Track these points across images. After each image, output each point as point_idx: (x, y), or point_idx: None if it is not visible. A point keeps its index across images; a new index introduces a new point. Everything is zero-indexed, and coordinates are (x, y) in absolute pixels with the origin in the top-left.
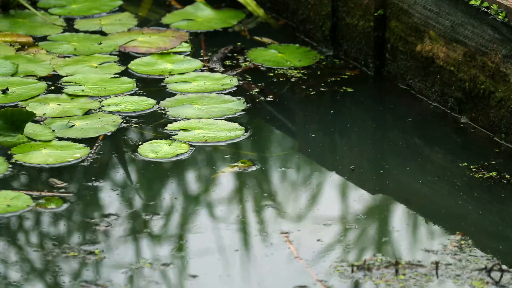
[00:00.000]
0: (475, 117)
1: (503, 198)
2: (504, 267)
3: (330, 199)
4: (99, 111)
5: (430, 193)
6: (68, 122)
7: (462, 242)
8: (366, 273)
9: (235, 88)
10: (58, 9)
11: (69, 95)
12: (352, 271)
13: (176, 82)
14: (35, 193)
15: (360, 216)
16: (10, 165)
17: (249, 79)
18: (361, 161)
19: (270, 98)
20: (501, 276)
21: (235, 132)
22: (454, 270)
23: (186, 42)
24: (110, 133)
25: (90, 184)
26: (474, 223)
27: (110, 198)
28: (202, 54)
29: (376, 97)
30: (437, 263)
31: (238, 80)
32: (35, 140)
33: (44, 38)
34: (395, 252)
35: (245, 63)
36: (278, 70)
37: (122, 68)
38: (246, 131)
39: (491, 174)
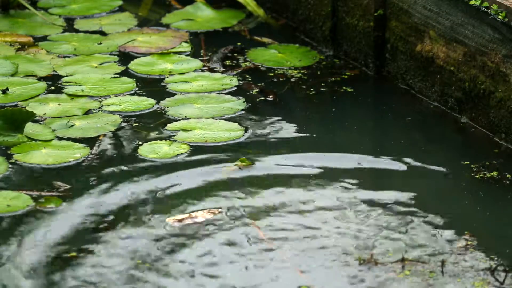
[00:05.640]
0: (475, 117)
1: (505, 198)
2: (508, 267)
3: (331, 197)
4: (99, 111)
5: (430, 192)
6: (68, 122)
7: (468, 242)
8: (372, 268)
9: (235, 88)
10: (58, 9)
11: (69, 95)
12: (359, 265)
13: (176, 82)
14: (35, 193)
15: (363, 213)
16: (10, 165)
17: (249, 79)
18: (361, 160)
19: (270, 98)
20: (505, 277)
21: (235, 132)
22: (459, 269)
23: (186, 42)
24: (110, 133)
25: (90, 184)
26: (476, 223)
27: (110, 198)
28: (202, 54)
29: (376, 97)
30: (442, 261)
31: (238, 80)
32: (35, 140)
33: (44, 38)
34: (400, 249)
35: (245, 63)
36: (278, 70)
37: (122, 68)
38: (246, 131)
39: (492, 174)
